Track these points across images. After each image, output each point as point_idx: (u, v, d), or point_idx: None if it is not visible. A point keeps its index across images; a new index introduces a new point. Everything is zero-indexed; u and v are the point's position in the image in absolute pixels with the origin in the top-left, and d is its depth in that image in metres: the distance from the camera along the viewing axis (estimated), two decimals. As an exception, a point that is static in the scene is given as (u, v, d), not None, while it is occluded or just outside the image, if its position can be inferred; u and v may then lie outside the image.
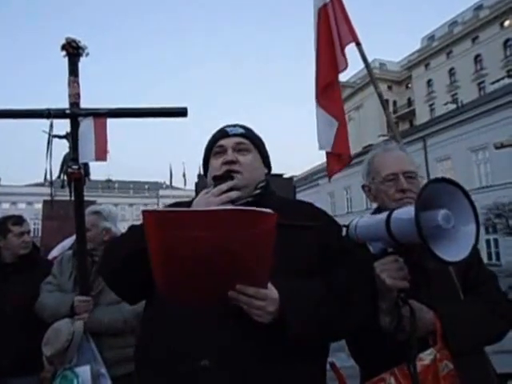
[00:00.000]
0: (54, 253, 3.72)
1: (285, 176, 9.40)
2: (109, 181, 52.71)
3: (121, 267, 1.10)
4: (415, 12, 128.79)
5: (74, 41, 2.44)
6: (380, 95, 2.31)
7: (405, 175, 1.31)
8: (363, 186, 1.45)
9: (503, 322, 1.30)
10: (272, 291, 0.96)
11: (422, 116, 42.70)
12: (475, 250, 1.35)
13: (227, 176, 1.15)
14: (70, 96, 2.32)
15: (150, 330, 1.12)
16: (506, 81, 26.92)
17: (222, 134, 1.25)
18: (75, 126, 2.28)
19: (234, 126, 1.27)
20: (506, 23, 37.25)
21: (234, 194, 1.09)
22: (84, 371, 1.91)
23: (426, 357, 1.13)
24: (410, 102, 48.80)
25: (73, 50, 2.41)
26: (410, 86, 49.01)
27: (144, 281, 1.01)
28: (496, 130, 18.24)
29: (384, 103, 2.33)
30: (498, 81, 28.44)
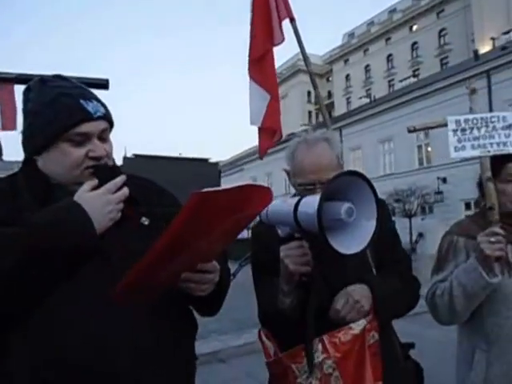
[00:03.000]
0: None
1: (210, 161, 9.08)
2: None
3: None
4: (341, 7, 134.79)
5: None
6: (311, 74, 2.28)
7: (323, 184, 1.23)
8: (285, 170, 1.41)
9: (414, 298, 1.38)
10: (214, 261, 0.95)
11: (340, 108, 45.37)
12: (393, 232, 1.42)
13: (111, 167, 1.00)
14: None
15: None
16: (412, 80, 29.68)
17: (85, 115, 0.95)
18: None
19: (90, 98, 0.98)
20: (415, 27, 40.89)
21: (127, 191, 0.95)
22: None
23: (356, 327, 1.16)
24: (330, 95, 51.40)
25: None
26: (330, 79, 51.55)
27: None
28: (399, 124, 20.05)
29: (315, 81, 2.29)
30: (405, 79, 31.22)
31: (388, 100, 24.12)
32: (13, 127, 2.14)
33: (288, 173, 1.39)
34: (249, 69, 2.48)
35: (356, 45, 46.54)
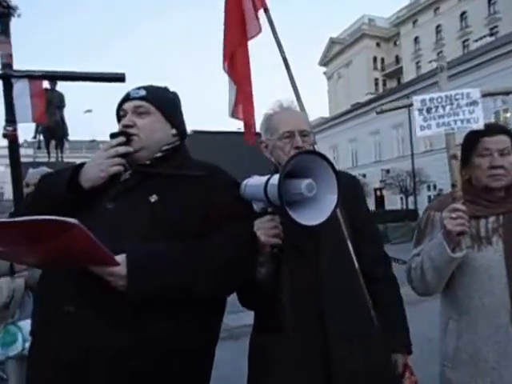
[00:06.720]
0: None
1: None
2: (93, 141, 51.37)
3: None
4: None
5: (5, 0, 2.38)
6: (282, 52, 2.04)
7: (300, 133, 1.42)
8: (261, 142, 1.53)
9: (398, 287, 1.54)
10: (120, 266, 1.00)
11: (409, 73, 42.25)
12: (366, 210, 1.62)
13: (121, 133, 1.20)
14: (1, 57, 2.29)
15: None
16: (488, 39, 26.60)
17: (125, 97, 1.27)
18: (8, 87, 2.27)
19: (139, 88, 1.28)
20: (494, -22, 36.19)
21: (121, 149, 1.16)
22: (27, 324, 2.02)
23: None
24: (397, 60, 48.06)
25: (3, 10, 2.36)
26: (398, 43, 48.04)
27: None
28: (476, 88, 18.26)
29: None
30: (480, 38, 28.08)
31: (462, 62, 21.92)
32: (42, 119, 2.48)
33: (266, 145, 1.49)
34: (224, 62, 2.41)
35: (425, 3, 42.52)
